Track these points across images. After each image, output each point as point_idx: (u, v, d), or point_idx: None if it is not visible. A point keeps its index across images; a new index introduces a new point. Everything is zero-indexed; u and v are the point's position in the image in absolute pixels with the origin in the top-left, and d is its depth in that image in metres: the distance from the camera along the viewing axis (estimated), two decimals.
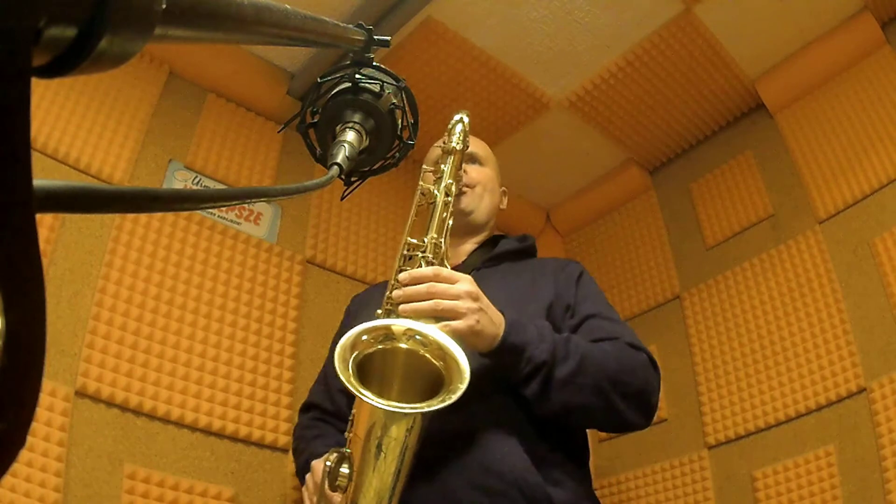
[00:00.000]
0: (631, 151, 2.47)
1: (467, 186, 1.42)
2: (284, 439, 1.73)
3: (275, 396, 1.75)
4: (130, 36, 0.25)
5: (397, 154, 0.65)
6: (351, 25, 0.60)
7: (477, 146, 1.52)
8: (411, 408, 0.91)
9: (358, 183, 0.65)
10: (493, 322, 1.07)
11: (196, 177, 1.90)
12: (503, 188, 1.57)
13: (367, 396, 0.89)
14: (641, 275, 2.39)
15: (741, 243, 2.16)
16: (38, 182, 0.22)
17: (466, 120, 1.35)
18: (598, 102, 2.26)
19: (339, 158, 0.55)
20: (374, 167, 0.65)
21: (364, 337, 0.97)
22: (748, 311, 2.04)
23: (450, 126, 1.35)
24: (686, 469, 1.99)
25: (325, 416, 1.38)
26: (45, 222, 1.57)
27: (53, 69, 0.25)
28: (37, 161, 1.61)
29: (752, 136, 2.27)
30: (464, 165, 1.36)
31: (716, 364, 2.05)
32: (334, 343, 1.52)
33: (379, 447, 0.93)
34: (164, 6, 0.26)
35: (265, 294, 1.86)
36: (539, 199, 2.70)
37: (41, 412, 1.40)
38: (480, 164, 1.51)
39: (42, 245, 1.52)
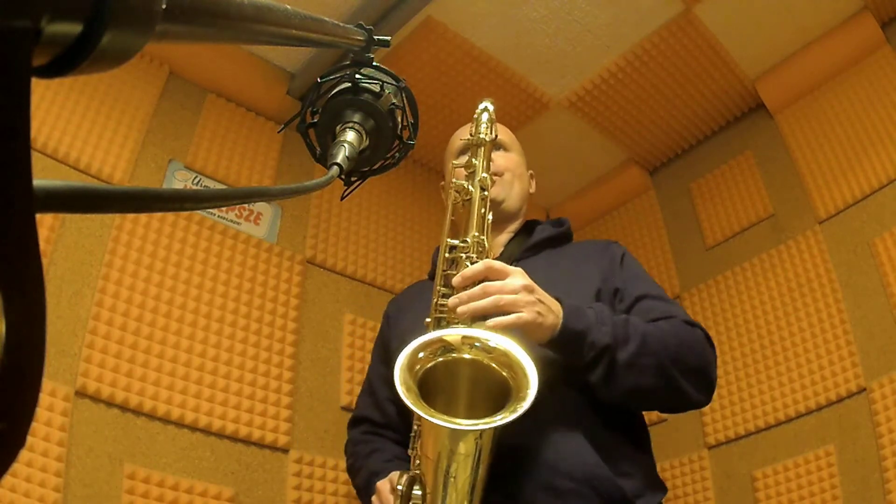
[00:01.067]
0: (631, 151, 2.47)
1: (496, 175, 1.36)
2: (284, 439, 1.73)
3: (275, 396, 1.75)
4: (131, 35, 0.25)
5: (397, 154, 0.65)
6: (351, 25, 0.60)
7: (500, 132, 1.44)
8: (484, 423, 0.88)
9: (358, 183, 0.65)
10: (552, 310, 1.04)
11: (196, 177, 1.90)
12: (530, 171, 1.51)
13: (437, 417, 0.87)
14: None
15: (741, 243, 2.16)
16: (38, 182, 0.22)
17: (492, 108, 1.30)
18: (598, 102, 2.26)
19: (339, 158, 0.55)
20: (374, 167, 0.65)
21: (420, 354, 0.93)
22: (748, 311, 2.04)
23: (475, 115, 1.29)
24: (686, 469, 1.99)
25: (376, 428, 1.34)
26: (45, 222, 1.57)
27: (54, 69, 0.25)
28: (37, 161, 1.61)
29: (752, 136, 2.27)
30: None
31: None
32: (376, 349, 1.49)
33: (450, 466, 0.91)
34: (164, 6, 0.26)
35: (265, 294, 1.86)
36: (539, 198, 2.70)
37: (41, 412, 1.40)
38: (506, 149, 1.44)
39: (42, 245, 1.52)
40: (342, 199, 0.69)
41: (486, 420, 0.88)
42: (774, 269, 2.02)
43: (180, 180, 1.88)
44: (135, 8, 0.24)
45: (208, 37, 0.33)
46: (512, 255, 1.33)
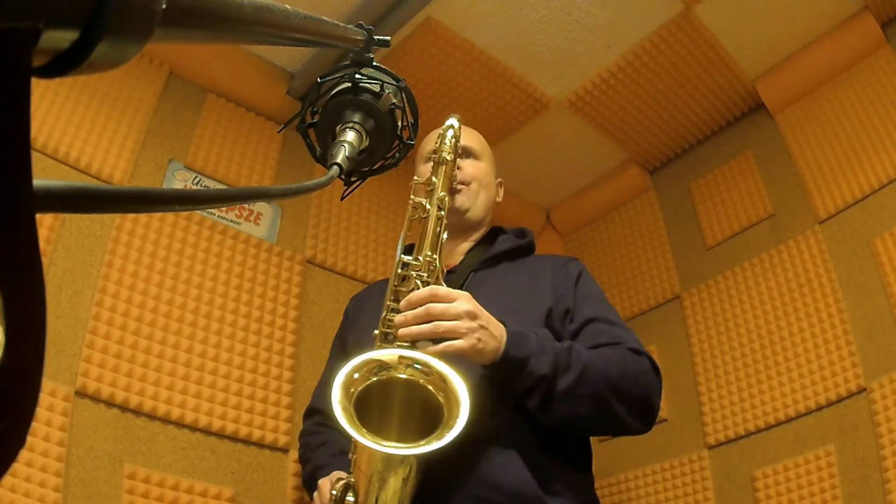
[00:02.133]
0: (631, 151, 2.47)
1: (462, 184, 1.36)
2: (284, 439, 1.73)
3: (275, 396, 1.75)
4: (130, 36, 0.25)
5: (397, 154, 0.65)
6: (351, 25, 0.60)
7: (471, 139, 1.45)
8: (409, 448, 0.92)
9: (358, 183, 0.65)
10: (494, 336, 1.05)
11: (196, 177, 1.90)
12: (499, 179, 1.50)
13: (366, 438, 0.90)
14: (641, 275, 2.39)
15: (741, 243, 2.16)
16: (38, 182, 0.22)
17: (457, 125, 1.30)
18: (598, 102, 2.26)
19: (339, 158, 0.55)
20: (374, 167, 0.65)
21: (356, 375, 0.96)
22: (748, 311, 2.04)
23: (441, 131, 1.29)
24: (686, 469, 1.99)
25: (329, 420, 1.35)
26: (45, 222, 1.57)
27: (53, 69, 0.25)
28: (37, 161, 1.61)
29: (752, 136, 2.27)
30: (458, 160, 1.31)
31: (716, 364, 2.05)
32: (335, 344, 1.51)
33: (381, 482, 0.95)
34: (163, 6, 0.26)
35: (265, 294, 1.86)
36: (539, 199, 2.70)
37: (41, 412, 1.40)
38: (475, 157, 1.44)
39: (42, 245, 1.52)
40: (342, 199, 0.70)
41: (413, 445, 0.92)
42: (774, 269, 2.02)
43: (180, 180, 1.88)
44: (134, 9, 0.24)
45: (208, 37, 0.33)
46: (470, 265, 1.34)
